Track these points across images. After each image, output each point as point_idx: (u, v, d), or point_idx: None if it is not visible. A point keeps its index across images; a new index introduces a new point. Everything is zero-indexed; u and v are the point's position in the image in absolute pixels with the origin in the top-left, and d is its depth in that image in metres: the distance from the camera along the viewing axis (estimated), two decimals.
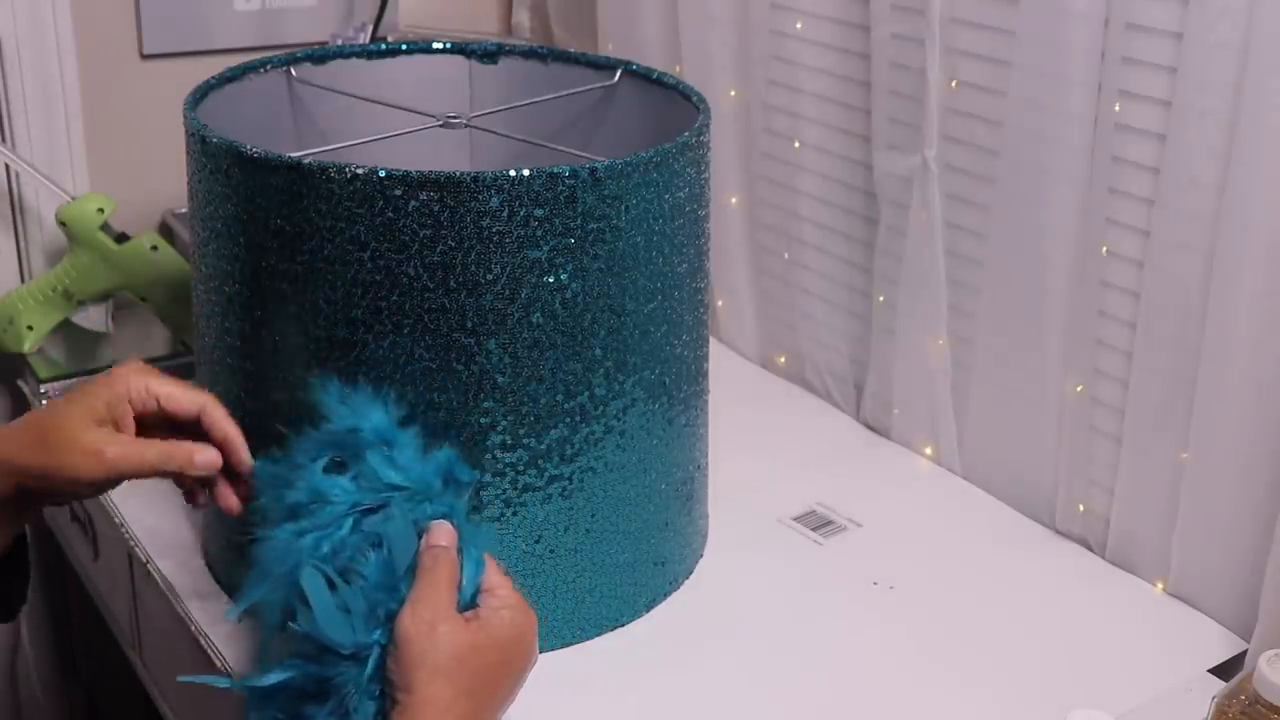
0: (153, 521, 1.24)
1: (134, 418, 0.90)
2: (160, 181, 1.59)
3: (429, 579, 0.84)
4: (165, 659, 1.28)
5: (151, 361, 1.49)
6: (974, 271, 1.30)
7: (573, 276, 1.01)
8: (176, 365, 1.52)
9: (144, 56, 1.62)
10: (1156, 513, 1.18)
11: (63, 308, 1.51)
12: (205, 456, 0.90)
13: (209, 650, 1.10)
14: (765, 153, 1.50)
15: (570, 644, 1.11)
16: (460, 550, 0.87)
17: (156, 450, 0.89)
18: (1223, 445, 1.11)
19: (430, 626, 0.82)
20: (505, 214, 0.98)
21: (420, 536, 0.87)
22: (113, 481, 0.88)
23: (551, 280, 1.01)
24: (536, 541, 1.07)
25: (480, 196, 0.97)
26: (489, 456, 1.03)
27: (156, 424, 0.92)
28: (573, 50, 1.31)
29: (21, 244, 1.60)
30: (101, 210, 1.47)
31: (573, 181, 0.99)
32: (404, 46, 1.31)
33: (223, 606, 1.13)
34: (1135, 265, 1.16)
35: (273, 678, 0.83)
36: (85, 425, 0.87)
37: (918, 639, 1.14)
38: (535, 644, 0.89)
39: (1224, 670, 1.11)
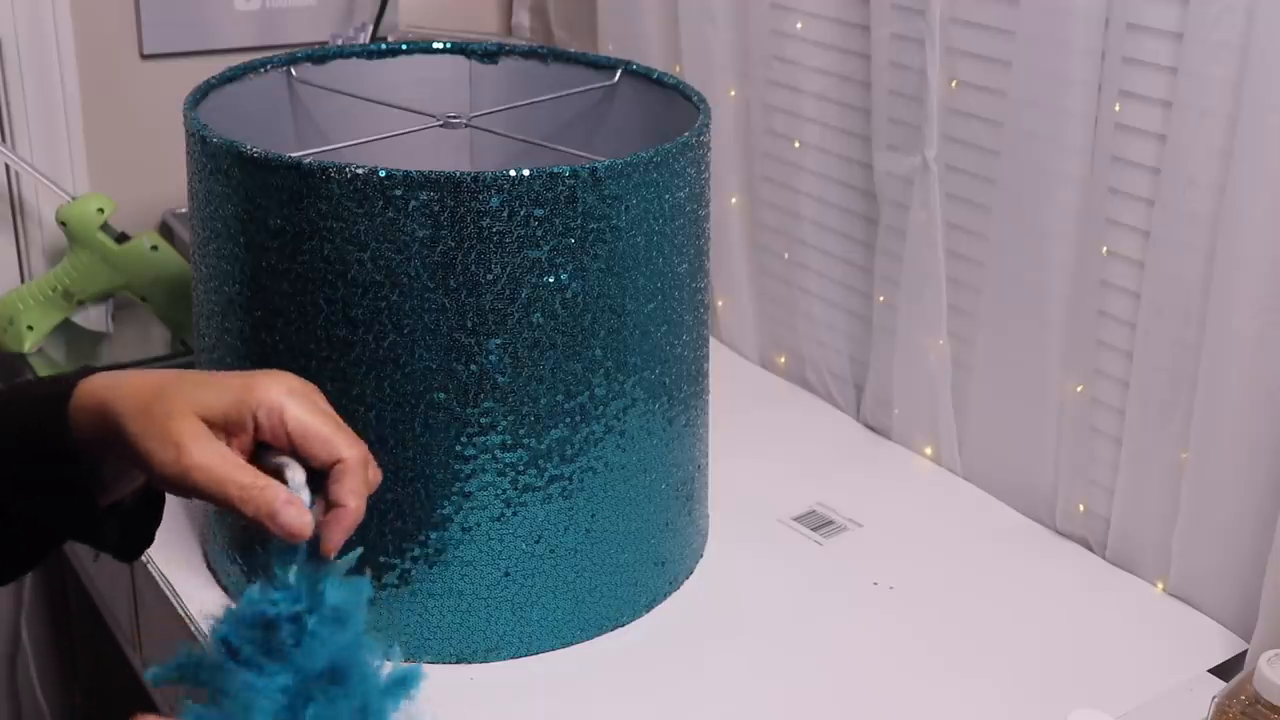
0: None
1: (258, 440, 0.72)
2: (160, 181, 1.59)
3: None
4: (165, 659, 1.27)
5: (151, 362, 1.53)
6: (974, 271, 1.30)
7: (573, 276, 1.01)
8: (176, 365, 1.52)
9: (144, 56, 1.63)
10: (1156, 513, 1.18)
11: (63, 308, 1.51)
12: (291, 519, 0.68)
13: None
14: (765, 153, 1.50)
15: (570, 644, 1.11)
16: None
17: (240, 482, 0.69)
18: (1223, 445, 1.11)
19: None
20: (505, 214, 0.98)
21: None
22: (185, 488, 0.69)
23: (551, 280, 1.01)
24: (536, 541, 1.07)
25: (480, 196, 0.97)
26: (489, 456, 1.03)
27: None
28: (573, 50, 1.31)
29: (21, 244, 1.60)
30: (101, 210, 1.47)
31: (573, 181, 0.99)
32: (404, 46, 1.31)
33: (223, 607, 1.13)
34: (1135, 265, 1.16)
35: None
36: (188, 413, 0.69)
37: (918, 639, 1.14)
38: None
39: (1224, 670, 1.11)
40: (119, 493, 0.76)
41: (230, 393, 0.71)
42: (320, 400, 0.74)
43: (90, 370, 0.74)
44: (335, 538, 0.70)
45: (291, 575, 0.68)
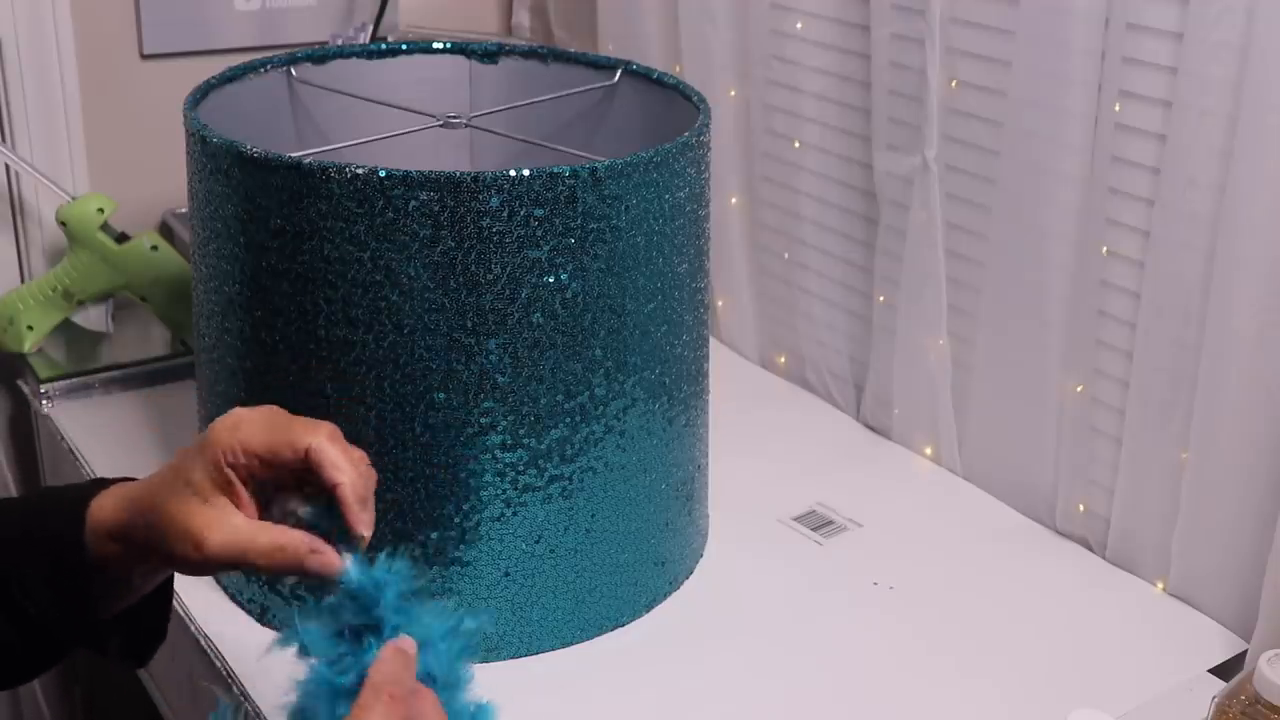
0: None
1: (248, 480, 0.74)
2: (160, 181, 1.59)
3: None
4: (165, 659, 1.27)
5: (151, 361, 1.53)
6: (974, 271, 1.30)
7: (573, 276, 1.01)
8: (176, 365, 1.52)
9: (144, 56, 1.62)
10: (1156, 513, 1.18)
11: (63, 308, 1.51)
12: (320, 559, 0.71)
13: (209, 651, 1.09)
14: (765, 153, 1.50)
15: (570, 644, 1.11)
16: None
17: (266, 541, 0.72)
18: (1223, 445, 1.11)
19: None
20: (505, 214, 0.98)
21: None
22: (214, 571, 0.75)
23: (551, 280, 1.01)
24: (536, 541, 1.07)
25: (480, 196, 0.97)
26: (489, 456, 1.03)
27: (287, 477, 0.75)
28: (573, 50, 1.31)
29: (21, 244, 1.60)
30: (101, 210, 1.47)
31: (573, 181, 0.99)
32: (404, 46, 1.31)
33: (223, 606, 1.13)
34: (1135, 265, 1.16)
35: None
36: (184, 505, 0.72)
37: (918, 639, 1.14)
38: None
39: (1224, 670, 1.11)
40: (133, 596, 0.79)
41: (197, 463, 0.73)
42: (267, 413, 0.74)
43: (101, 484, 0.77)
44: (351, 516, 0.72)
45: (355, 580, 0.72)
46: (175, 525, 0.72)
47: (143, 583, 0.78)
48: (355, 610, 0.71)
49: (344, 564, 0.72)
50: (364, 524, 0.72)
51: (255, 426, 0.73)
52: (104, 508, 0.75)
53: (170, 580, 0.82)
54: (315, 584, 0.72)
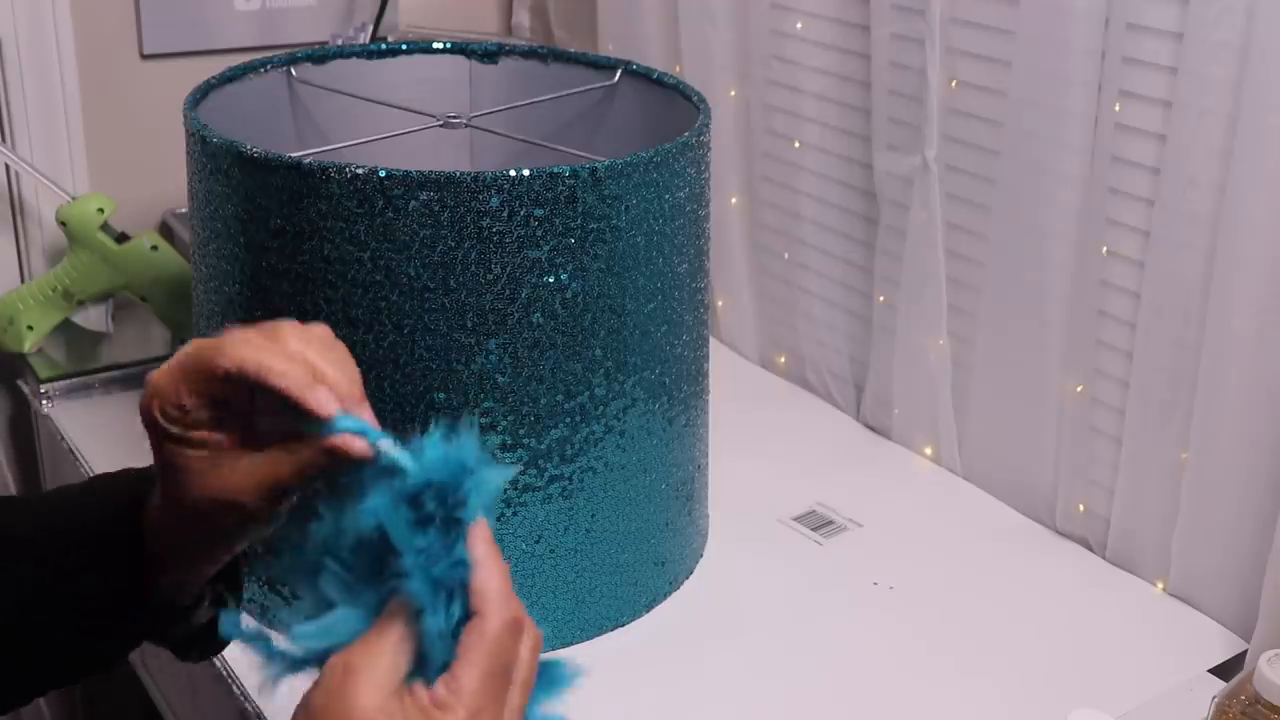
0: None
1: (204, 416, 0.67)
2: (160, 181, 1.59)
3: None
4: (165, 659, 1.28)
5: (151, 362, 1.52)
6: (974, 271, 1.30)
7: (573, 276, 1.01)
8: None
9: (144, 56, 1.63)
10: (1156, 513, 1.18)
11: (63, 308, 1.51)
12: (354, 445, 0.63)
13: None
14: (765, 153, 1.50)
15: (570, 644, 1.11)
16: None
17: (291, 469, 0.66)
18: (1223, 445, 1.11)
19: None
20: (505, 214, 0.98)
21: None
22: (281, 498, 0.67)
23: (551, 280, 1.01)
24: (536, 541, 1.07)
25: (480, 196, 0.97)
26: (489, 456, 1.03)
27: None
28: (573, 50, 1.31)
29: (21, 244, 1.60)
30: (101, 210, 1.47)
31: (573, 181, 0.99)
32: (404, 46, 1.31)
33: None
34: (1135, 265, 1.16)
35: None
36: (193, 487, 0.67)
37: (918, 639, 1.14)
38: None
39: (1224, 670, 1.11)
40: (199, 579, 0.75)
41: (153, 439, 0.68)
42: (177, 360, 0.68)
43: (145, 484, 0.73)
44: (309, 408, 0.63)
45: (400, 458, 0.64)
46: (210, 514, 0.67)
47: (208, 564, 0.73)
48: (436, 500, 0.64)
49: (370, 443, 0.64)
50: (324, 404, 0.63)
51: (171, 377, 0.67)
52: (151, 525, 0.72)
53: (238, 560, 0.76)
54: (385, 472, 0.64)
